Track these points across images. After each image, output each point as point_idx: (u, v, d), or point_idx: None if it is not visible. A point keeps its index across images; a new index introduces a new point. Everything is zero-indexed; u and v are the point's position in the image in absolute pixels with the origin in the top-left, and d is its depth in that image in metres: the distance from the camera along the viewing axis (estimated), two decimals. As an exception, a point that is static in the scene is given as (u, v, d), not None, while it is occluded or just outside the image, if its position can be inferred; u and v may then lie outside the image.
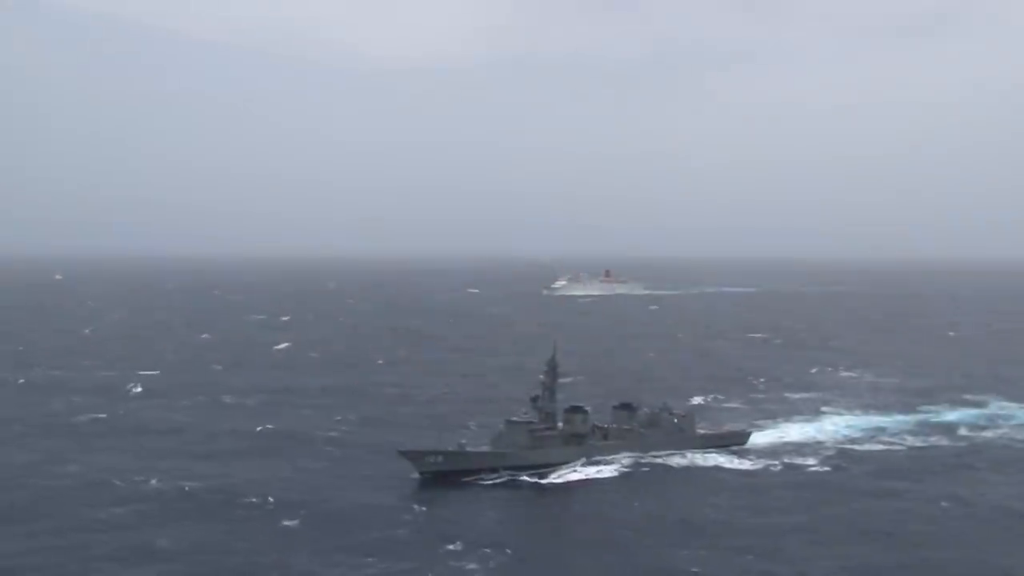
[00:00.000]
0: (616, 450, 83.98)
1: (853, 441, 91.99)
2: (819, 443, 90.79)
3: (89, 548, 58.79)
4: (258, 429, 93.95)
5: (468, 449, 79.17)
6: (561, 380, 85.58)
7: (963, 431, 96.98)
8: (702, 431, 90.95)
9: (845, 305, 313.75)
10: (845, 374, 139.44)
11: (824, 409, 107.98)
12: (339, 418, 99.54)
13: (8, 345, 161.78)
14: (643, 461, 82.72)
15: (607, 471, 79.93)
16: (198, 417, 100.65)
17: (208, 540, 60.40)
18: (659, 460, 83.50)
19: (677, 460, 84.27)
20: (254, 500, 68.69)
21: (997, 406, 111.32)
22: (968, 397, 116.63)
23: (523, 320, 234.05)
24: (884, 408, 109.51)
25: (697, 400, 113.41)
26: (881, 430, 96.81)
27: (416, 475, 76.23)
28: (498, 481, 76.62)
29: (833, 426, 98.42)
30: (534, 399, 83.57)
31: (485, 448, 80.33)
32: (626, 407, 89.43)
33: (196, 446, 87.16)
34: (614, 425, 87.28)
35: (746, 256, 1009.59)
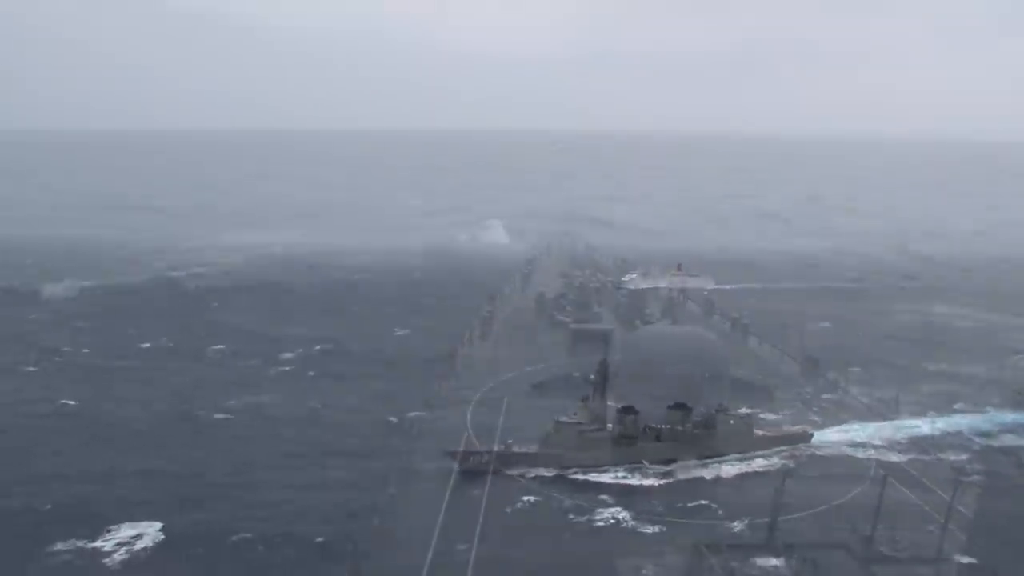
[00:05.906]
0: (669, 453, 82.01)
1: (992, 436, 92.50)
2: (959, 436, 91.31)
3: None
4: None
5: (515, 449, 78.46)
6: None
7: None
8: (760, 432, 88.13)
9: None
10: (966, 369, 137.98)
11: (956, 406, 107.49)
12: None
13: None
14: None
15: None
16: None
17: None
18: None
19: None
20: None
21: None
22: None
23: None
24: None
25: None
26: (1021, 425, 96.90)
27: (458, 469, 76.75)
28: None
29: (967, 420, 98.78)
30: (584, 399, 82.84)
31: (533, 448, 79.44)
32: (680, 407, 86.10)
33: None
34: (667, 426, 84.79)
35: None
